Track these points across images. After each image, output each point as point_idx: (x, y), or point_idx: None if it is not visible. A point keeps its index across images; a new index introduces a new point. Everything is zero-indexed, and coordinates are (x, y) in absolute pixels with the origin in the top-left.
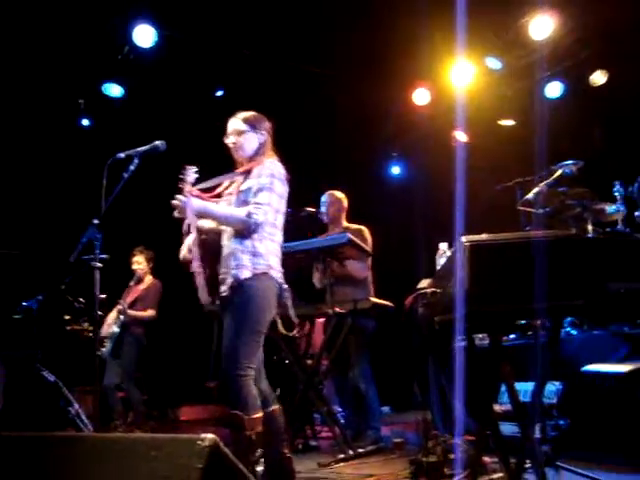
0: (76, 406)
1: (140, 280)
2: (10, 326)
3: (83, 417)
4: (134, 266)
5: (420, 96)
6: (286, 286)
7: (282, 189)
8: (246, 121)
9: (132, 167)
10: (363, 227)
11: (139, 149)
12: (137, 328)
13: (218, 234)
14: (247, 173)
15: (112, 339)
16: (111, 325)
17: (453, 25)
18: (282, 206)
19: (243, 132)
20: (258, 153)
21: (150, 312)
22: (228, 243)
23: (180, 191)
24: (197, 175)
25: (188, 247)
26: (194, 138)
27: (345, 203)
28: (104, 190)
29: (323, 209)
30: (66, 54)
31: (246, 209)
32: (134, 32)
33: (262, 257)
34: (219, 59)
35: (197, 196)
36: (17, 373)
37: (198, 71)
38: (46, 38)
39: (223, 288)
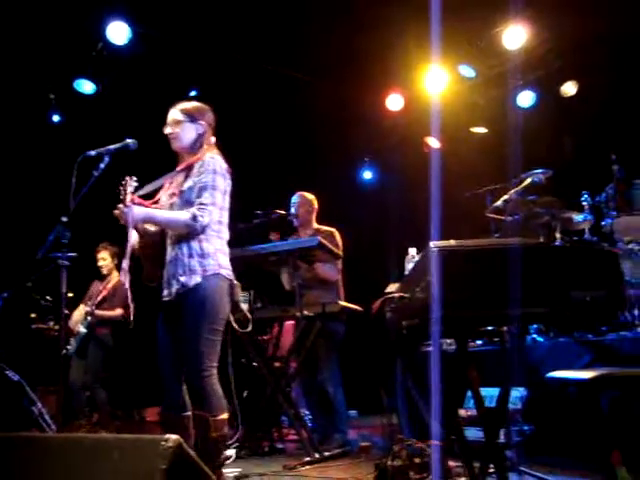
0: (39, 405)
1: (106, 277)
2: None
3: (46, 417)
4: (99, 262)
5: (393, 102)
6: (236, 282)
7: (225, 184)
8: (184, 111)
9: (102, 165)
10: (334, 230)
11: (110, 147)
12: (104, 328)
13: (160, 235)
14: (187, 170)
15: (78, 339)
16: (77, 323)
17: (427, 32)
18: (226, 202)
19: (180, 122)
20: (196, 145)
21: (118, 311)
22: (173, 247)
23: (121, 201)
24: (137, 184)
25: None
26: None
27: (315, 204)
28: (73, 188)
29: (293, 210)
30: (38, 48)
31: (190, 211)
32: (108, 29)
33: (211, 257)
34: (194, 58)
35: (139, 203)
36: None
37: (172, 70)
38: (19, 32)
39: (166, 292)
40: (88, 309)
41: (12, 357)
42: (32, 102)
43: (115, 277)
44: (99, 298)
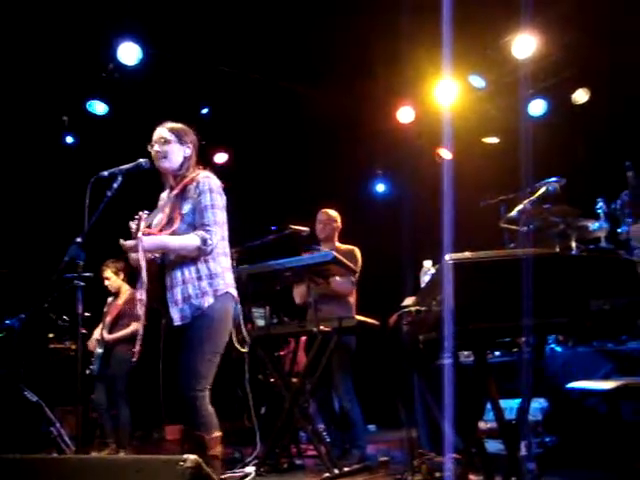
0: (58, 426)
1: (117, 294)
2: None
3: (65, 437)
4: (105, 282)
5: (404, 114)
6: (239, 305)
7: (222, 201)
8: (172, 131)
9: (115, 185)
10: (354, 247)
11: (122, 167)
12: (123, 347)
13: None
14: (182, 192)
15: (97, 359)
16: (96, 344)
17: (437, 43)
18: (225, 218)
19: (169, 141)
20: (183, 167)
21: (133, 326)
22: (177, 270)
23: (132, 234)
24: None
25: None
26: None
27: (339, 222)
28: (87, 208)
29: (319, 226)
30: (51, 71)
31: (199, 235)
32: (119, 50)
33: (219, 277)
34: (204, 77)
35: (148, 233)
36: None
37: (183, 89)
38: (31, 55)
39: (177, 316)
40: (98, 337)
41: (31, 377)
42: (46, 125)
43: (124, 293)
44: (111, 318)
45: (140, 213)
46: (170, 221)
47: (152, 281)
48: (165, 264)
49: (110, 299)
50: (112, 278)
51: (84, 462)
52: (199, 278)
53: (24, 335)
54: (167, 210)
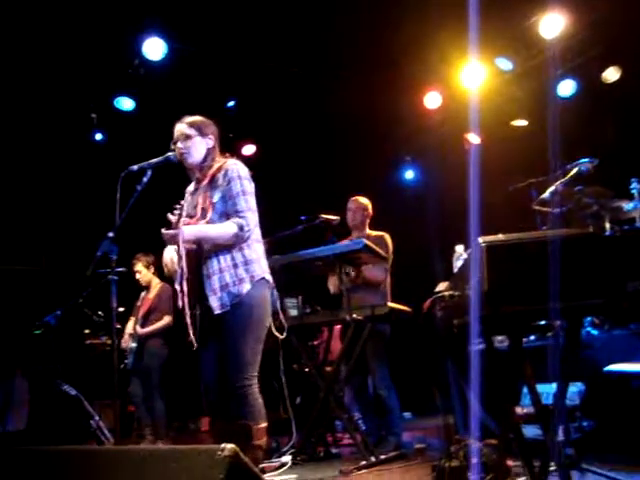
0: (97, 419)
1: (148, 288)
2: (30, 341)
3: (104, 430)
4: (136, 276)
5: (431, 99)
6: (275, 291)
7: (251, 187)
8: (192, 125)
9: (145, 179)
10: (384, 233)
11: (152, 161)
12: (155, 340)
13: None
14: (210, 182)
15: (131, 353)
16: (129, 338)
17: (463, 27)
18: (255, 204)
19: (191, 137)
20: (207, 159)
21: (165, 320)
22: (212, 259)
23: (171, 224)
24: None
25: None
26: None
27: (370, 209)
28: (118, 203)
29: (349, 214)
30: (78, 69)
31: (236, 222)
32: (144, 45)
33: (255, 263)
34: (230, 70)
35: (187, 223)
36: (40, 387)
37: (209, 82)
38: (57, 54)
39: (216, 305)
40: (132, 332)
41: (69, 373)
42: (75, 122)
43: (155, 287)
44: (143, 312)
45: (182, 202)
46: (203, 211)
47: (190, 273)
48: (201, 254)
49: (143, 293)
50: (143, 272)
51: (123, 453)
52: (235, 265)
53: (61, 331)
54: (199, 201)
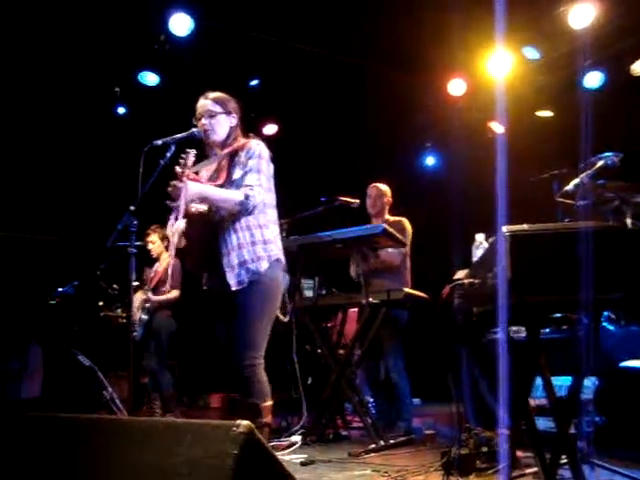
0: (110, 390)
1: (156, 260)
2: (47, 311)
3: (117, 401)
4: (148, 246)
5: (456, 87)
6: (287, 274)
7: (269, 170)
8: (217, 101)
9: (168, 154)
10: (403, 218)
11: (176, 136)
12: (164, 311)
13: (209, 222)
14: (232, 158)
15: (142, 325)
16: (138, 310)
17: (490, 14)
18: (271, 185)
19: (216, 114)
20: (230, 137)
21: (174, 293)
22: (231, 235)
23: (176, 176)
24: (195, 159)
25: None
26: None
27: (389, 196)
28: (140, 177)
29: (369, 201)
30: (102, 43)
31: (242, 191)
32: (170, 21)
33: (273, 243)
34: (254, 48)
35: (194, 179)
36: (54, 356)
37: (233, 60)
38: (82, 27)
39: (234, 282)
40: (144, 296)
41: (83, 343)
42: (98, 96)
43: (165, 259)
44: (153, 283)
45: (188, 150)
46: (217, 175)
47: (202, 246)
48: (218, 229)
49: (147, 267)
50: (157, 243)
51: (139, 424)
52: (253, 243)
53: (76, 302)
54: (214, 166)
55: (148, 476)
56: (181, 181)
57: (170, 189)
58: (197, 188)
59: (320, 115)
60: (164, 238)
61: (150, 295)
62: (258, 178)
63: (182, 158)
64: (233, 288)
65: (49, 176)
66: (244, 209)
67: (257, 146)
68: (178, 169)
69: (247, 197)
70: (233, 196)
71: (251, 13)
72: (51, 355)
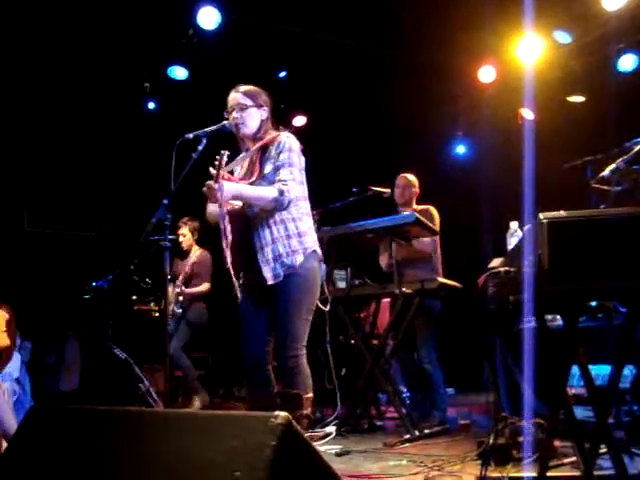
0: (147, 383)
1: (187, 253)
2: (82, 305)
3: (153, 394)
4: (179, 239)
5: (486, 73)
6: (323, 264)
7: (300, 162)
8: (247, 94)
9: (200, 147)
10: (430, 206)
11: (207, 129)
12: (197, 303)
13: (243, 216)
14: (263, 151)
15: (175, 319)
16: (170, 304)
17: None
18: (304, 178)
19: (247, 107)
20: (261, 130)
21: (205, 286)
22: (265, 229)
23: (213, 176)
24: (228, 160)
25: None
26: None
27: (417, 186)
28: (173, 171)
29: (397, 191)
30: (131, 38)
31: (277, 187)
32: (198, 14)
33: (307, 235)
34: (282, 40)
35: (228, 179)
36: (91, 350)
37: (261, 52)
38: (111, 23)
39: (270, 275)
40: (177, 290)
41: (118, 337)
42: (128, 91)
43: (196, 252)
44: (184, 276)
45: (222, 152)
46: (249, 173)
47: (239, 242)
48: (252, 224)
49: (177, 259)
50: (187, 236)
51: (176, 416)
52: (288, 237)
53: (111, 296)
54: (246, 163)
55: (186, 468)
56: (216, 182)
57: (205, 189)
58: (232, 188)
59: (349, 105)
60: (195, 231)
61: (183, 288)
62: (291, 172)
63: (216, 160)
64: (269, 282)
65: (84, 173)
66: (279, 205)
67: (287, 139)
68: (213, 171)
69: (282, 193)
70: (268, 193)
71: (276, 5)
72: (88, 349)
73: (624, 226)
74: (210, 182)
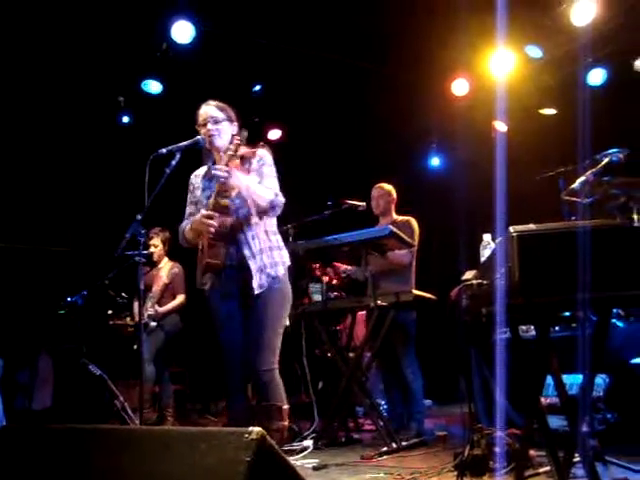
0: (121, 399)
1: (156, 263)
2: (56, 321)
3: (128, 410)
4: (150, 249)
5: (459, 86)
6: None
7: None
8: (222, 110)
9: (174, 162)
10: (410, 218)
11: (180, 144)
12: (172, 317)
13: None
14: (243, 165)
15: (148, 332)
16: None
17: (492, 13)
18: None
19: (220, 121)
20: (230, 144)
21: (180, 298)
22: (254, 239)
23: (231, 153)
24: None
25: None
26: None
27: (394, 195)
28: (147, 186)
29: (373, 202)
30: (105, 52)
31: (272, 190)
32: (172, 28)
33: (284, 249)
34: (257, 54)
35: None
36: (64, 366)
37: (236, 66)
38: (85, 37)
39: (256, 285)
40: (152, 312)
41: (93, 352)
42: (102, 105)
43: (166, 265)
44: (157, 293)
45: (241, 130)
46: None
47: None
48: (239, 230)
49: (147, 272)
50: (159, 247)
51: (151, 433)
52: (271, 248)
53: (85, 312)
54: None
55: None
56: (227, 165)
57: (216, 171)
58: (240, 177)
59: (324, 118)
60: (166, 241)
61: (157, 308)
62: (275, 185)
63: (237, 136)
64: (256, 292)
65: (56, 187)
66: (274, 205)
67: (267, 153)
68: (230, 152)
69: (276, 195)
70: (266, 193)
71: (251, 18)
72: (61, 365)
73: (590, 238)
74: (221, 166)
